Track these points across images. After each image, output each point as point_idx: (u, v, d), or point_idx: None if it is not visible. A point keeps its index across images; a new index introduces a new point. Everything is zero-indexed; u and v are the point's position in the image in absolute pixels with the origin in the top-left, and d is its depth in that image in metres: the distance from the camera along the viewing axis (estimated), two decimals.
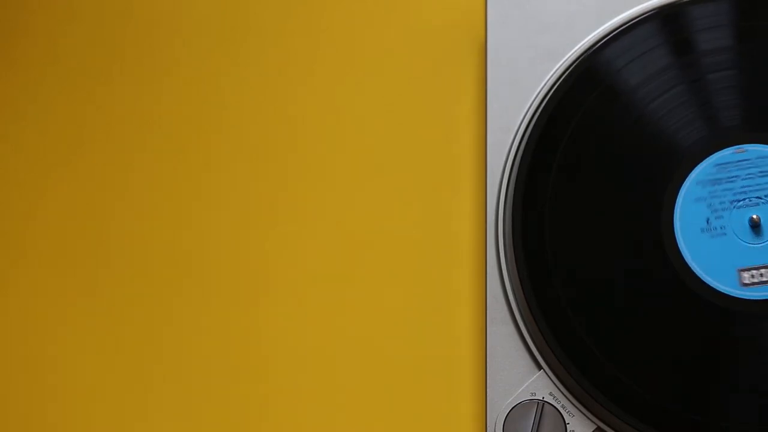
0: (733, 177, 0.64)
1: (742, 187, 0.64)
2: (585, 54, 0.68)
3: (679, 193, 0.65)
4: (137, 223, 0.73)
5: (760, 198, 0.64)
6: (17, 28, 0.78)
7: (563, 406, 0.64)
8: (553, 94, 0.67)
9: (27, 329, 0.72)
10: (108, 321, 0.71)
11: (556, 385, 0.64)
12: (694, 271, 0.63)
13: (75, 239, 0.73)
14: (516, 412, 0.64)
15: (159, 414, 0.70)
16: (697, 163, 0.65)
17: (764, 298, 0.63)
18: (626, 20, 0.68)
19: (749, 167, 0.64)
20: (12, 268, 0.73)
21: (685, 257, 0.64)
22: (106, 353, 0.71)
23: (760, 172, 0.64)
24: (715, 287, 0.63)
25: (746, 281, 0.63)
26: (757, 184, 0.64)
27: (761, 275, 0.63)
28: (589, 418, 0.64)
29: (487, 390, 0.64)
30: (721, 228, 0.64)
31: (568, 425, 0.64)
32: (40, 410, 0.70)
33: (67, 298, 0.72)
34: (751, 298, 0.63)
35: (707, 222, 0.64)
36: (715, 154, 0.65)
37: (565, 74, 0.68)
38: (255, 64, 0.75)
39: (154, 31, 0.77)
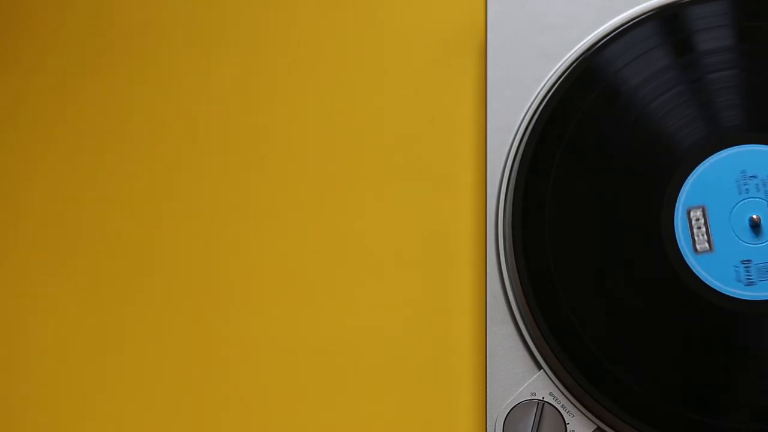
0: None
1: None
2: (585, 54, 0.68)
3: (680, 193, 0.65)
4: (113, 222, 0.73)
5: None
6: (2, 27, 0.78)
7: (563, 406, 0.64)
8: (553, 94, 0.67)
9: None
10: (89, 319, 0.71)
11: (556, 385, 0.64)
12: (695, 271, 0.63)
13: (47, 237, 0.73)
14: (516, 412, 0.64)
15: (126, 415, 0.70)
16: (697, 163, 0.65)
17: (764, 298, 0.63)
18: (626, 20, 0.68)
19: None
20: None
21: (685, 257, 0.64)
22: (79, 351, 0.71)
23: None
24: (715, 287, 0.63)
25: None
26: None
27: (704, 234, 0.64)
28: (589, 418, 0.64)
29: (487, 390, 0.64)
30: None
31: (568, 425, 0.64)
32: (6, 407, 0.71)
33: (41, 295, 0.72)
34: (752, 298, 0.63)
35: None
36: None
37: (565, 74, 0.68)
38: (254, 65, 0.75)
39: (136, 33, 0.77)
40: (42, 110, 0.75)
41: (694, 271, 0.63)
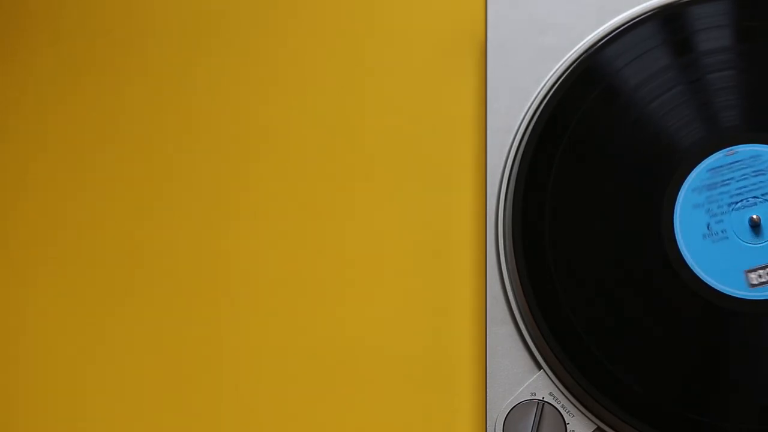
0: (727, 180, 0.64)
1: (738, 188, 0.64)
2: (585, 54, 0.68)
3: (679, 193, 0.65)
4: (110, 221, 0.73)
5: (757, 197, 0.64)
6: None
7: (563, 406, 0.64)
8: (553, 94, 0.67)
9: None
10: (87, 318, 0.71)
11: (556, 385, 0.64)
12: (694, 271, 0.63)
13: (45, 236, 0.73)
14: (516, 412, 0.64)
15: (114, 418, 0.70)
16: (697, 163, 0.65)
17: (764, 298, 0.63)
18: (626, 20, 0.68)
19: (742, 168, 0.64)
20: None
21: (684, 257, 0.64)
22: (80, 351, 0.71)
23: (754, 171, 0.64)
24: (714, 287, 0.63)
25: (754, 282, 0.63)
26: (753, 184, 0.64)
27: None
28: (589, 418, 0.64)
29: (487, 390, 0.64)
30: (722, 232, 0.64)
31: (568, 425, 0.64)
32: None
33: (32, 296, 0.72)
34: (751, 298, 0.63)
35: (708, 227, 0.64)
36: (708, 158, 0.65)
37: (565, 74, 0.68)
38: (253, 65, 0.75)
39: (134, 32, 0.76)
40: (39, 108, 0.75)
41: (694, 271, 0.63)
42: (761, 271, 0.63)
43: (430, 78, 0.73)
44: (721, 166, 0.64)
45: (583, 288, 0.64)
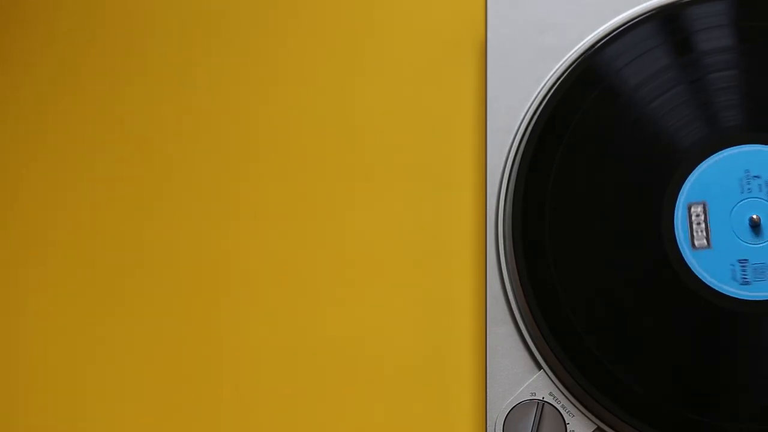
0: None
1: None
2: (585, 54, 0.68)
3: (680, 193, 0.65)
4: (108, 221, 0.73)
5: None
6: None
7: (563, 406, 0.64)
8: (553, 94, 0.67)
9: None
10: (85, 319, 0.71)
11: (556, 385, 0.64)
12: (694, 271, 0.63)
13: (44, 236, 0.73)
14: (516, 412, 0.64)
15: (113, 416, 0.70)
16: (697, 164, 0.65)
17: (765, 298, 0.63)
18: (626, 20, 0.68)
19: None
20: None
21: (685, 257, 0.64)
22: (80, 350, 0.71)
23: None
24: (715, 287, 0.63)
25: (695, 241, 0.64)
26: None
27: (703, 230, 0.64)
28: (589, 418, 0.64)
29: (487, 390, 0.65)
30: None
31: (568, 425, 0.64)
32: None
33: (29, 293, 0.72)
34: (752, 298, 0.63)
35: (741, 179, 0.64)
36: None
37: (565, 74, 0.68)
38: (252, 65, 0.75)
39: (128, 27, 0.76)
40: (38, 108, 0.75)
41: (694, 271, 0.63)
42: (701, 233, 0.63)
43: (430, 78, 0.73)
44: None
45: (583, 288, 0.64)
